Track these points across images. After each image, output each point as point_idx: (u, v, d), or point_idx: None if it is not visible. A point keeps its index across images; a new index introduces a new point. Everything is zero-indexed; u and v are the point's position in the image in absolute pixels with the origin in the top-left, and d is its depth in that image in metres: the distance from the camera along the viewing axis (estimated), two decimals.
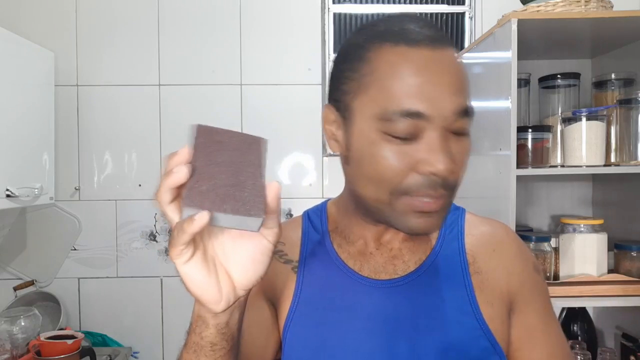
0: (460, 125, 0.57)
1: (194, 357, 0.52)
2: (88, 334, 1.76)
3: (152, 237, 1.86)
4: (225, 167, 0.45)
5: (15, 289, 1.78)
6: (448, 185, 0.58)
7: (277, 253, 0.70)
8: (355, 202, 0.64)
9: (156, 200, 0.46)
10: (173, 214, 0.45)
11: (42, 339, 1.48)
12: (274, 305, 0.68)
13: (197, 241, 0.47)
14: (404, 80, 0.56)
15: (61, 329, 1.65)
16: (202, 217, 0.42)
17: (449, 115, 0.55)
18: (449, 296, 0.64)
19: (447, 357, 0.61)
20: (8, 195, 1.45)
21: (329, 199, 0.76)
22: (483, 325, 0.62)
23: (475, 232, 0.69)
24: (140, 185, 1.85)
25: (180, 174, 0.44)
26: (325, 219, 0.72)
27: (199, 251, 0.47)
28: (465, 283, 0.64)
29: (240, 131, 0.49)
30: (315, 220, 0.73)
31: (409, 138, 0.56)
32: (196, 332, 0.51)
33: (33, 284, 1.81)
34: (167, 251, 1.86)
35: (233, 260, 0.49)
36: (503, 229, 0.71)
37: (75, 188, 1.85)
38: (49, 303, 1.79)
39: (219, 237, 0.49)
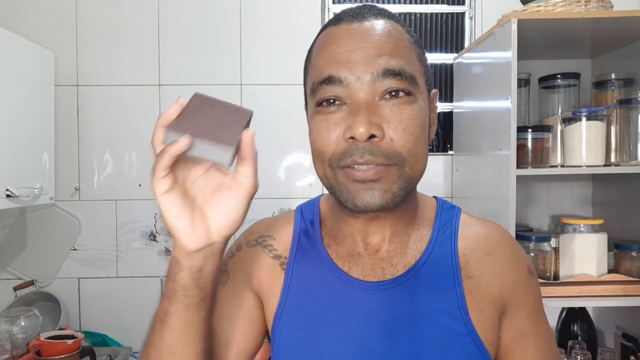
0: (387, 86, 0.56)
1: (167, 303, 0.53)
2: (88, 334, 1.76)
3: (152, 237, 1.86)
4: (211, 118, 0.50)
5: (15, 289, 1.78)
6: (387, 153, 0.56)
7: (266, 247, 0.69)
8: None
9: (151, 144, 0.50)
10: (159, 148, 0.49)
11: (42, 339, 1.48)
12: (260, 297, 0.67)
13: (177, 177, 0.50)
14: (322, 54, 0.60)
15: (61, 329, 1.65)
16: (183, 139, 0.47)
17: (366, 76, 0.56)
18: (437, 301, 0.62)
19: None
20: (8, 195, 1.45)
21: (322, 194, 0.74)
22: (472, 331, 0.61)
23: (469, 235, 0.67)
24: (140, 185, 1.85)
25: (171, 110, 0.50)
26: (318, 215, 0.71)
27: (178, 187, 0.50)
28: (456, 288, 0.63)
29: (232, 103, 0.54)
30: (307, 217, 0.71)
31: (336, 106, 0.58)
32: (170, 277, 0.53)
33: (33, 284, 1.81)
34: (167, 251, 1.86)
35: (211, 204, 0.52)
36: (498, 231, 0.69)
37: (75, 188, 1.85)
38: (49, 303, 1.79)
39: (199, 181, 0.52)
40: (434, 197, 0.73)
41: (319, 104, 0.59)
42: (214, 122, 0.50)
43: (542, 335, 0.67)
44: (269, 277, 0.67)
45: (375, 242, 0.65)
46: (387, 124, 0.56)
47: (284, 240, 0.69)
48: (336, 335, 0.62)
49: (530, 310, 0.66)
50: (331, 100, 0.58)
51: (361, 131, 0.54)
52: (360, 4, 0.63)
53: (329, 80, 0.57)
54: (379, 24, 0.59)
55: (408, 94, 0.57)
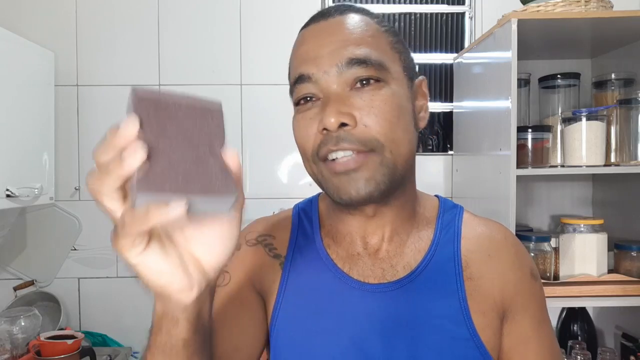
0: (354, 75, 0.57)
1: (163, 356, 0.44)
2: (88, 334, 1.76)
3: None
4: (179, 140, 0.37)
5: (15, 289, 1.77)
6: (362, 139, 0.56)
7: (267, 246, 0.68)
8: None
9: (89, 186, 0.37)
10: (114, 201, 0.36)
11: (42, 339, 1.48)
12: (262, 297, 0.66)
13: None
14: (295, 55, 0.62)
15: (61, 329, 1.65)
16: (178, 206, 0.34)
17: (332, 69, 0.57)
18: (439, 305, 0.61)
19: None
20: (8, 195, 1.45)
21: (320, 193, 0.72)
22: (474, 335, 0.60)
23: (471, 236, 0.65)
24: None
25: (136, 158, 0.34)
26: (317, 214, 0.70)
27: (155, 237, 0.38)
28: (458, 291, 0.61)
29: (188, 95, 0.39)
30: (306, 216, 0.70)
31: (312, 103, 0.59)
32: (163, 331, 0.43)
33: (33, 284, 1.81)
34: None
35: (197, 240, 0.41)
36: (501, 232, 0.68)
37: (75, 188, 1.85)
38: (49, 303, 1.79)
39: None
40: (436, 195, 0.72)
41: (297, 104, 0.61)
42: (189, 152, 0.37)
43: (545, 340, 0.65)
44: (268, 276, 0.66)
45: (374, 242, 0.64)
46: (359, 111, 0.56)
47: (282, 239, 0.68)
48: (334, 338, 0.61)
49: (532, 315, 0.64)
50: (307, 98, 0.60)
51: (331, 121, 0.55)
52: (334, 5, 0.64)
53: (300, 79, 0.59)
54: (344, 19, 0.60)
55: (377, 80, 0.57)
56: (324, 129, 0.56)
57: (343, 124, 0.56)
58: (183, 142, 0.37)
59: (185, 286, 0.40)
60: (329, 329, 0.61)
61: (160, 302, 0.42)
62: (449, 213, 0.68)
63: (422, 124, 0.64)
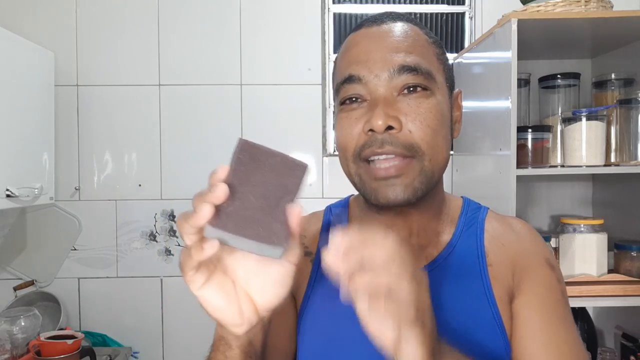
0: (404, 81, 0.59)
1: None
2: (88, 334, 1.76)
3: (152, 237, 1.86)
4: (258, 188, 0.44)
5: (15, 289, 1.78)
6: (406, 144, 0.58)
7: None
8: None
9: (182, 221, 0.43)
10: (190, 239, 0.43)
11: (42, 339, 1.48)
12: (293, 295, 0.68)
13: (213, 265, 0.46)
14: (344, 57, 0.64)
15: (61, 329, 1.65)
16: (211, 247, 0.42)
17: (384, 74, 0.59)
18: (464, 288, 0.63)
19: (461, 349, 0.59)
20: (8, 195, 1.45)
21: (351, 195, 0.76)
22: (497, 317, 0.62)
23: (490, 229, 0.69)
24: (140, 185, 1.85)
25: (219, 192, 0.42)
26: (346, 213, 0.73)
27: (216, 274, 0.46)
28: (482, 276, 0.64)
29: (283, 153, 0.46)
30: (337, 215, 0.73)
31: (358, 104, 0.61)
32: (220, 350, 0.51)
33: (33, 284, 1.81)
34: (167, 251, 1.86)
35: (254, 283, 0.47)
36: (518, 223, 0.71)
37: (75, 188, 1.85)
38: (49, 303, 1.79)
39: (239, 259, 0.47)
40: (462, 197, 0.75)
41: (342, 103, 0.62)
42: (261, 200, 0.43)
43: (557, 335, 0.62)
44: (300, 273, 0.67)
45: (402, 235, 0.66)
46: (405, 116, 0.58)
47: (312, 236, 0.71)
48: (358, 323, 0.62)
49: (536, 299, 0.63)
50: (353, 99, 0.61)
51: (379, 123, 0.57)
52: (385, 12, 0.66)
53: (350, 79, 0.60)
54: (396, 26, 0.62)
55: (425, 88, 0.60)
56: (370, 130, 0.58)
57: (389, 127, 0.58)
58: (260, 190, 0.44)
59: (237, 321, 0.47)
60: (353, 314, 0.63)
61: (219, 327, 0.49)
62: (473, 213, 0.71)
63: (456, 134, 0.68)
